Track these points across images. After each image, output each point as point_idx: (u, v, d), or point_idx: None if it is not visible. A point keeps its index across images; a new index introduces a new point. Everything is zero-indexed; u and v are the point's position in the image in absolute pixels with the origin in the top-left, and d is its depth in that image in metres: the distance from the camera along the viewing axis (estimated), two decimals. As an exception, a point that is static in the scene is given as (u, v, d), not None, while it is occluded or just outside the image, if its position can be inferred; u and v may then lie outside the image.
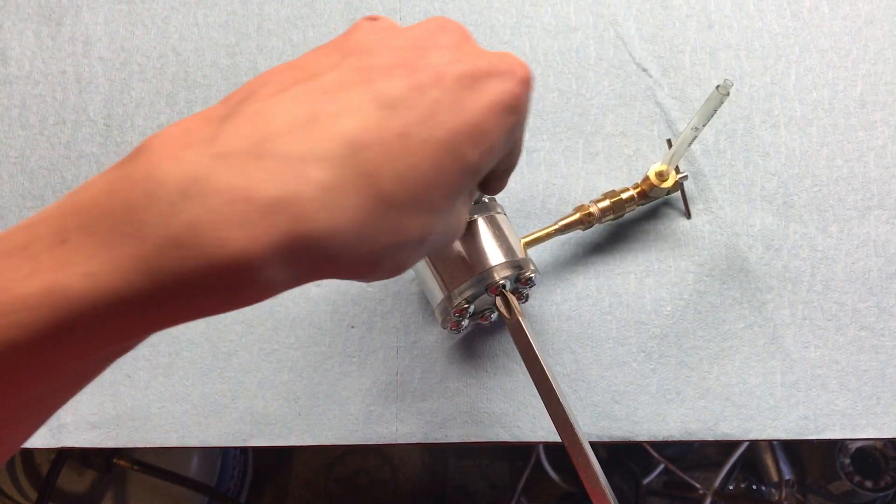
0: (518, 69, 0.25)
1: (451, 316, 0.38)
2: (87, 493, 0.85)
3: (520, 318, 0.37)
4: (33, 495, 0.83)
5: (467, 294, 0.37)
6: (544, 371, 0.36)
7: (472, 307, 0.39)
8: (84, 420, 0.45)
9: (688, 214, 0.46)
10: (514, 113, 0.25)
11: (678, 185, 0.44)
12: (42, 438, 0.45)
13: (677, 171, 0.44)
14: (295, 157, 0.20)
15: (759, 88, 0.48)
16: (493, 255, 0.38)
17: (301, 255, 0.20)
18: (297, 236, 0.19)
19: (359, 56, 0.24)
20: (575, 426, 0.34)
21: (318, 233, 0.20)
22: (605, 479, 0.33)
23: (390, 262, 0.24)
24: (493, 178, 0.31)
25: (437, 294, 0.39)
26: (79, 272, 0.19)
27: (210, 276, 0.19)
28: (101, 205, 0.19)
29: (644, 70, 0.48)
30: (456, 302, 0.37)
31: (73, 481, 0.84)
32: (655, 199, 0.45)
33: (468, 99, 0.24)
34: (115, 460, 0.82)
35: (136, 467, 0.83)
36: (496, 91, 0.24)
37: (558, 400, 0.35)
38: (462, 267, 0.37)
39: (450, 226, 0.26)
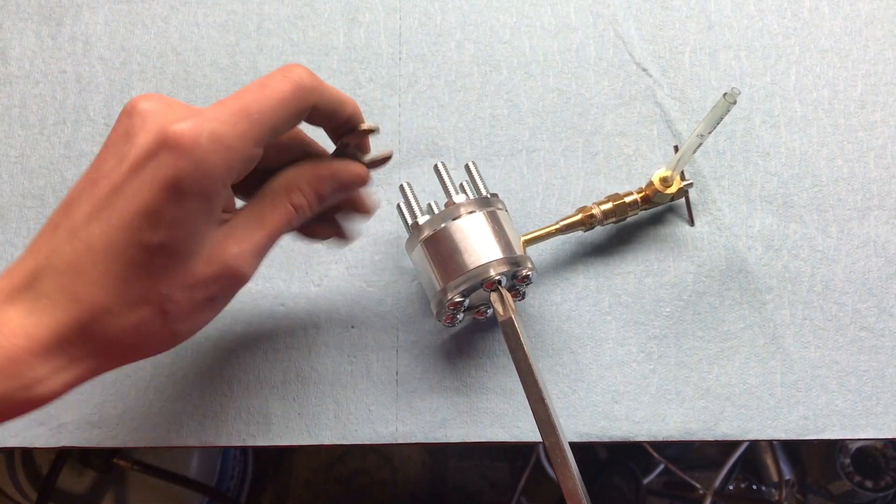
0: (171, 139, 0.27)
1: (445, 309, 0.38)
2: (87, 493, 0.85)
3: (512, 315, 0.37)
4: (33, 495, 0.83)
5: (463, 288, 0.37)
6: (532, 370, 0.36)
7: (468, 301, 0.39)
8: (84, 420, 0.45)
9: (691, 222, 0.45)
10: (178, 182, 0.27)
11: (682, 192, 0.44)
12: (42, 438, 0.45)
13: (682, 177, 0.44)
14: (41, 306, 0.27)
15: (759, 89, 0.48)
16: (491, 250, 0.38)
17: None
18: None
19: (68, 200, 0.29)
20: (558, 429, 0.35)
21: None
22: (583, 485, 0.34)
23: (142, 347, 0.29)
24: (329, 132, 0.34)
25: (434, 286, 0.39)
26: None
27: None
28: None
29: (644, 70, 0.48)
30: (451, 295, 0.37)
31: (73, 481, 0.84)
32: (659, 204, 0.45)
33: (134, 189, 0.27)
34: (115, 460, 0.82)
35: (136, 467, 0.82)
36: (152, 173, 0.27)
37: (543, 401, 0.35)
38: (459, 260, 0.37)
39: (204, 279, 0.29)
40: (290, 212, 0.32)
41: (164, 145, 0.27)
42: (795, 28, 0.48)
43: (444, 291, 0.38)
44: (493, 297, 0.38)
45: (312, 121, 0.32)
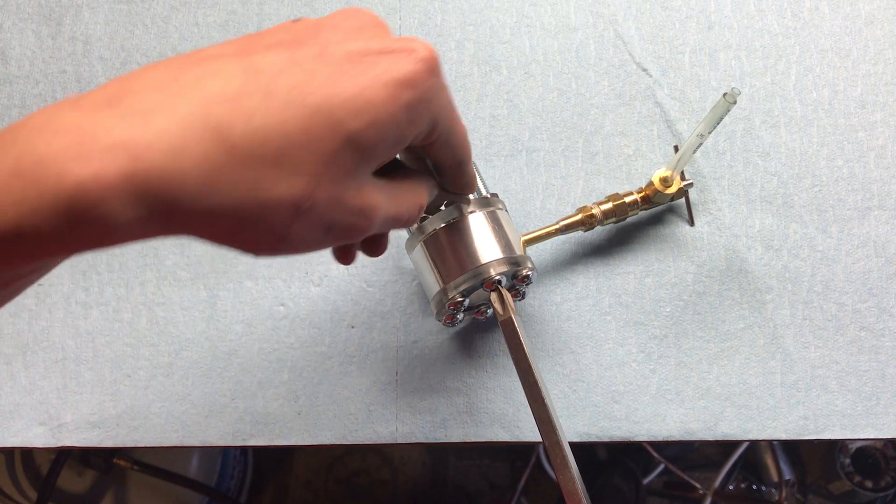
0: (419, 49, 0.25)
1: (445, 309, 0.38)
2: (87, 493, 0.85)
3: (512, 315, 0.37)
4: (33, 495, 0.83)
5: (463, 287, 0.37)
6: (531, 370, 0.36)
7: (468, 301, 0.39)
8: (84, 420, 0.45)
9: (691, 222, 0.45)
10: (408, 88, 0.25)
11: (682, 192, 0.44)
12: (42, 438, 0.45)
13: (683, 177, 0.44)
14: (144, 108, 0.21)
15: (759, 89, 0.48)
16: (491, 250, 0.38)
17: (141, 194, 0.21)
18: (135, 174, 0.20)
19: (250, 38, 0.25)
20: (557, 428, 0.35)
21: (157, 172, 0.21)
22: (582, 482, 0.34)
23: (259, 225, 0.24)
24: (450, 171, 0.32)
25: (434, 286, 0.39)
26: None
27: (49, 208, 0.20)
28: None
29: (644, 70, 0.48)
30: (451, 295, 0.38)
31: (73, 481, 0.84)
32: (659, 204, 0.45)
33: (352, 72, 0.24)
34: (115, 460, 0.82)
35: (136, 467, 0.82)
36: (386, 66, 0.25)
37: (543, 400, 0.35)
38: (459, 260, 0.38)
39: (345, 205, 0.26)
40: (414, 211, 0.31)
41: (411, 51, 0.25)
42: (795, 28, 0.48)
43: (445, 291, 0.38)
44: (493, 296, 0.38)
45: (435, 152, 0.31)
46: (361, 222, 0.27)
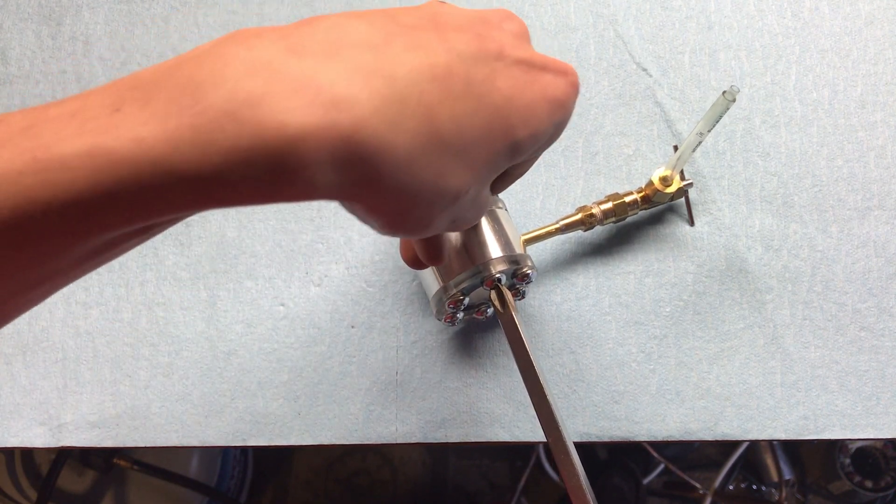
0: (570, 73, 0.26)
1: (445, 307, 0.38)
2: (87, 493, 0.85)
3: (512, 313, 0.37)
4: (33, 495, 0.83)
5: (463, 286, 0.37)
6: (533, 367, 0.36)
7: (468, 299, 0.39)
8: (84, 420, 0.45)
9: (691, 222, 0.45)
10: (561, 109, 0.25)
11: (682, 192, 0.44)
12: (42, 438, 0.45)
13: (682, 177, 0.43)
14: (366, 68, 0.20)
15: (759, 88, 0.48)
16: (491, 248, 0.38)
17: (352, 160, 0.19)
18: (355, 139, 0.19)
19: (432, 15, 0.24)
20: (560, 424, 0.35)
21: (375, 141, 0.19)
22: (586, 477, 0.34)
23: (423, 209, 0.23)
24: (506, 182, 0.31)
25: (434, 285, 0.39)
26: (127, 136, 0.18)
27: (260, 157, 0.18)
28: (163, 80, 0.19)
29: (644, 70, 0.48)
30: (451, 293, 0.37)
31: (73, 481, 0.84)
32: (659, 204, 0.45)
33: (523, 80, 0.24)
34: (115, 460, 0.82)
35: (136, 467, 0.83)
36: (550, 83, 0.25)
37: (545, 396, 0.35)
38: (459, 258, 0.38)
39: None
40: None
41: (566, 73, 0.26)
42: (795, 28, 0.48)
43: (445, 290, 0.38)
44: (493, 294, 0.38)
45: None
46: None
